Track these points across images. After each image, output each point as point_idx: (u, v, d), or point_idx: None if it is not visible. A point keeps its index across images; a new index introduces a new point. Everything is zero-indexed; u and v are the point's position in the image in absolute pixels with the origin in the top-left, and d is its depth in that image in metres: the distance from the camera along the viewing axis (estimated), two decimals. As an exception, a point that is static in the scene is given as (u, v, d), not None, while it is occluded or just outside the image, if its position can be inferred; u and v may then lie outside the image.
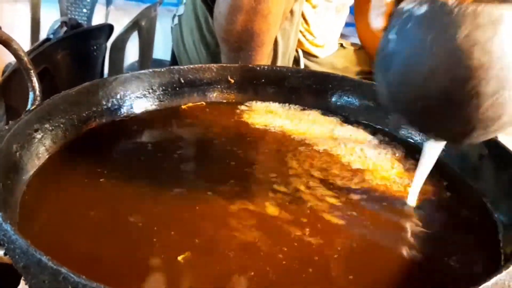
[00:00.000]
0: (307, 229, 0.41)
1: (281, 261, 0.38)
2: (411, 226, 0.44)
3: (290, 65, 0.87)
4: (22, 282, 0.43)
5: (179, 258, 0.37)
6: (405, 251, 0.40)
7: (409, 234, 0.43)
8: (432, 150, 0.43)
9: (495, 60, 0.35)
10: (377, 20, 0.40)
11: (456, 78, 0.35)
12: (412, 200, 0.45)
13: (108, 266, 0.36)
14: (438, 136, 0.42)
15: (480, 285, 0.31)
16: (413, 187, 0.45)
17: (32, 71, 0.49)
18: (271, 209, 0.44)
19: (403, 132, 0.60)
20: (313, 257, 0.38)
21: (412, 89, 0.37)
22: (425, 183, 0.46)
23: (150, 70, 0.61)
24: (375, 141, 0.58)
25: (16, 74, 0.68)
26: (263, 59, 0.75)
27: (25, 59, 0.48)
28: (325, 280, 0.37)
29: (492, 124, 0.36)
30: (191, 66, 0.64)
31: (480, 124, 0.36)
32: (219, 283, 0.35)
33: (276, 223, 0.42)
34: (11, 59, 0.57)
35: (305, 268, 0.37)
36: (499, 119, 0.36)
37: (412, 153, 0.55)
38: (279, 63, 0.83)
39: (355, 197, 0.47)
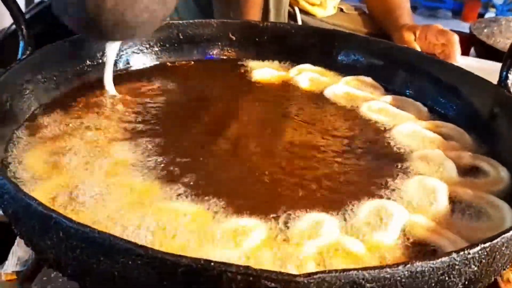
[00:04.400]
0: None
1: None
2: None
3: (286, 22, 0.83)
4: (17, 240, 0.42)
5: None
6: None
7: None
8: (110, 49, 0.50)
9: None
10: None
11: None
12: (110, 89, 0.51)
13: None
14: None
15: (493, 239, 0.30)
16: (106, 78, 0.51)
17: (21, 18, 0.46)
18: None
19: (410, 91, 0.58)
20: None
21: None
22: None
23: (148, 23, 0.58)
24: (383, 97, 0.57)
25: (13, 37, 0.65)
26: (253, 10, 0.72)
27: (13, 5, 0.45)
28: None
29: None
30: (191, 21, 0.61)
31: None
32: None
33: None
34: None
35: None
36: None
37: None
38: (272, 18, 0.79)
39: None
